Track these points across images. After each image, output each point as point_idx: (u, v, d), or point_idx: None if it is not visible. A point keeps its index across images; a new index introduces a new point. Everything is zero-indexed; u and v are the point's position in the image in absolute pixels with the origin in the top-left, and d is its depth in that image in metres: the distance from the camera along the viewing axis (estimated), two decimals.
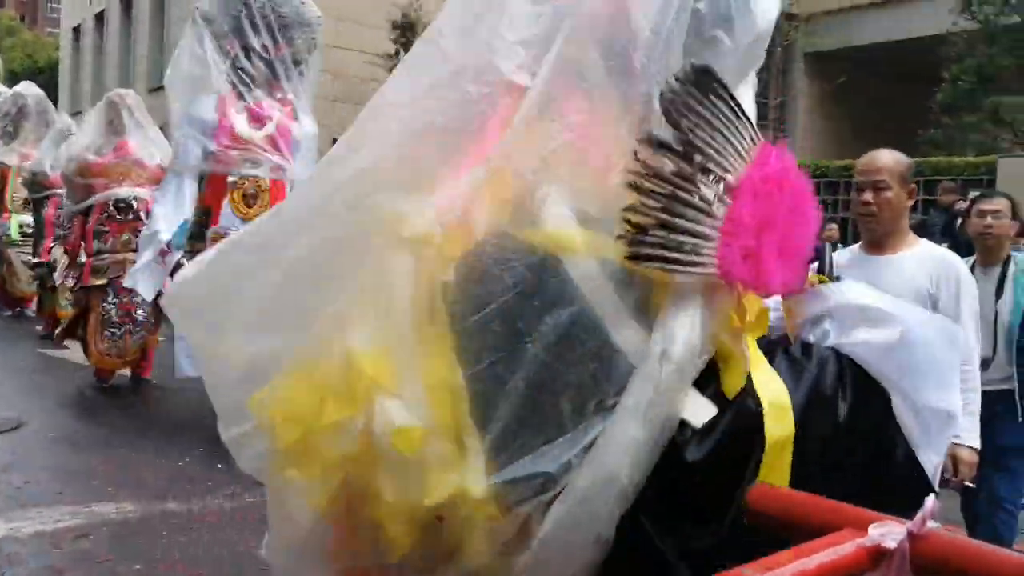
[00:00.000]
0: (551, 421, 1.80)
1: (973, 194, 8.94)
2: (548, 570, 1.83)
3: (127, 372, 7.95)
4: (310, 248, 1.97)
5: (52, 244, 9.90)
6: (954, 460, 2.98)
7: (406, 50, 17.38)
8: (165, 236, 6.20)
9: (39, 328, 11.04)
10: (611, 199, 1.88)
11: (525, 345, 1.80)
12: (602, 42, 1.94)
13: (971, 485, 3.52)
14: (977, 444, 3.05)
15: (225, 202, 6.30)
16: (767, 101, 18.27)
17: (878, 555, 1.69)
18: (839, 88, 20.13)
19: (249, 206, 6.31)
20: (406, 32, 17.36)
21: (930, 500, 1.76)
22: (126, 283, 6.66)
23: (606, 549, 1.84)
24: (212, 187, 6.36)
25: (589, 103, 1.94)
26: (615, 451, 1.78)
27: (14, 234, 12.39)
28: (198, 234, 6.38)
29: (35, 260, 11.32)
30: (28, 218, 12.30)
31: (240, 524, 4.57)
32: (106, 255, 7.52)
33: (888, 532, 1.72)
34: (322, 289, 1.93)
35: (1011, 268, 4.15)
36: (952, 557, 1.71)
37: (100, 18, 29.78)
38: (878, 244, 3.13)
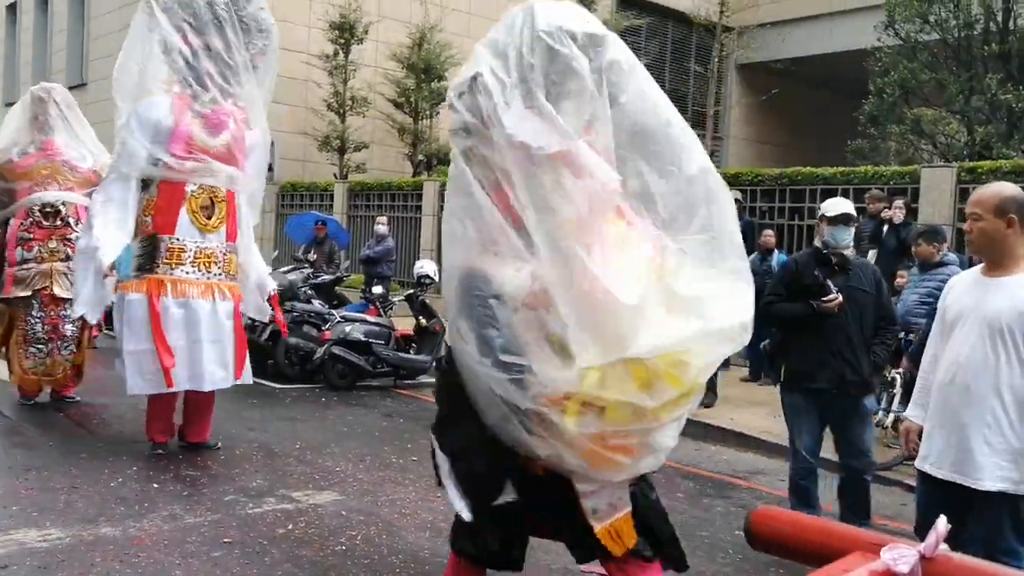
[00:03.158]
0: None
1: (899, 201, 9.21)
2: None
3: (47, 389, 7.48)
4: None
5: None
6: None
7: (344, 51, 17.36)
8: (107, 259, 5.69)
9: None
10: None
11: None
12: None
13: None
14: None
15: (182, 211, 5.88)
16: (703, 110, 18.50)
17: None
18: (771, 99, 20.54)
19: (208, 217, 5.96)
20: (344, 33, 17.10)
21: (941, 522, 1.73)
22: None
23: None
24: (166, 196, 5.89)
25: None
26: None
27: None
28: (147, 265, 5.87)
29: None
30: None
31: (180, 547, 4.30)
32: (31, 264, 6.95)
33: (900, 556, 1.69)
34: None
35: None
36: None
37: (12, 9, 28.53)
38: (992, 267, 3.36)
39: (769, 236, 10.07)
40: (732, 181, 12.03)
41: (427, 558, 4.38)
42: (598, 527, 3.04)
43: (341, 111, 17.48)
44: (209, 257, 5.96)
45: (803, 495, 4.94)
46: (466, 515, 3.15)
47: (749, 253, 10.46)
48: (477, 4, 20.54)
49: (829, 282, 4.76)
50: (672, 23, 23.76)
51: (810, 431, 4.91)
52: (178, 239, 5.88)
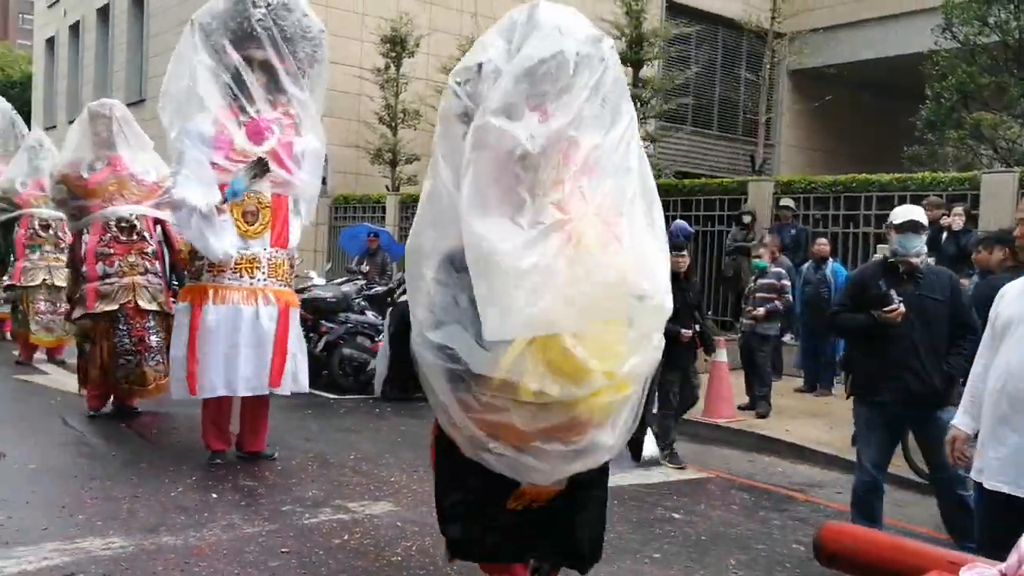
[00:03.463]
0: None
1: (958, 208, 9.00)
2: None
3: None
4: None
5: (34, 268, 9.57)
6: None
7: (395, 64, 17.53)
8: (199, 200, 5.74)
9: (16, 353, 10.73)
10: None
11: None
12: None
13: None
14: None
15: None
16: (755, 117, 18.29)
17: None
18: (823, 105, 20.23)
19: (249, 223, 6.07)
20: (395, 46, 17.28)
21: None
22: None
23: None
24: None
25: None
26: None
27: None
28: (195, 274, 6.09)
29: (7, 282, 10.97)
30: None
31: (239, 556, 4.37)
32: (114, 279, 7.12)
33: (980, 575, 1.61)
34: None
35: None
36: None
37: (75, 29, 29.38)
38: None
39: (823, 244, 9.91)
40: (785, 188, 11.88)
41: (480, 569, 4.38)
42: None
43: (393, 124, 17.65)
44: (252, 262, 6.07)
45: (865, 509, 4.84)
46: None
47: (803, 262, 10.41)
48: None
49: (892, 292, 4.67)
50: (722, 30, 23.55)
51: (877, 444, 4.81)
52: None
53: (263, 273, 6.10)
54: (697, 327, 6.80)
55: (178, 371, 6.08)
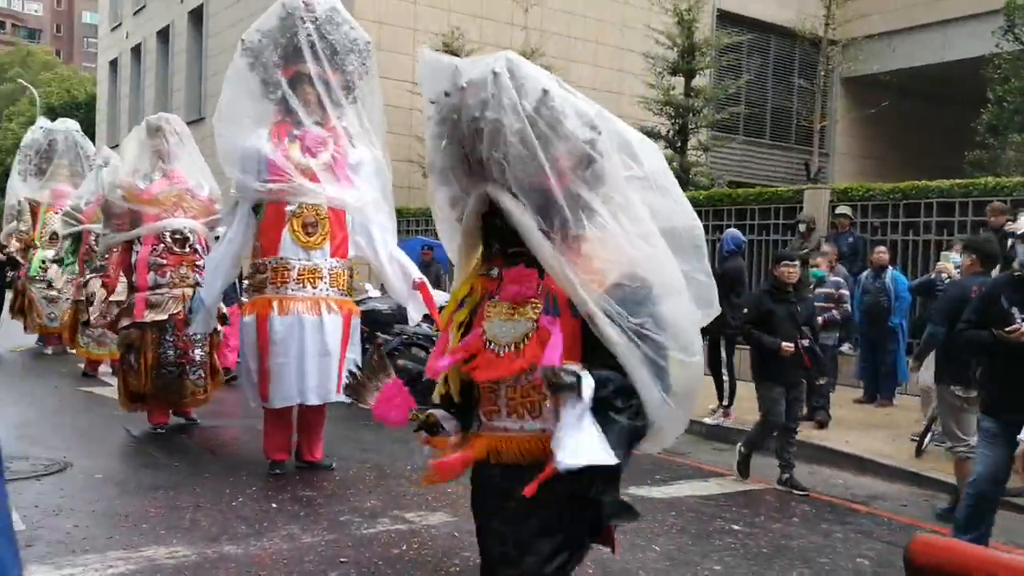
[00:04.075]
0: None
1: None
2: None
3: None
4: None
5: (88, 278, 9.81)
6: None
7: None
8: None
9: (80, 366, 11.03)
10: None
11: None
12: None
13: None
14: None
15: (284, 231, 6.13)
16: (809, 126, 18.05)
17: None
18: (878, 111, 19.88)
19: (309, 235, 6.16)
20: None
21: None
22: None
23: None
24: (270, 217, 6.17)
25: None
26: None
27: (33, 270, 12.45)
28: (259, 287, 6.22)
29: (70, 297, 11.35)
30: (51, 253, 12.37)
31: (299, 566, 4.41)
32: (164, 289, 7.21)
33: None
34: None
35: None
36: None
37: (137, 51, 30.24)
38: None
39: (882, 253, 9.71)
40: (841, 196, 11.68)
41: None
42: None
43: None
44: (314, 273, 6.16)
45: (971, 523, 4.69)
46: None
47: (861, 271, 10.18)
48: (577, 28, 20.66)
49: (1014, 309, 4.51)
50: (775, 38, 23.33)
51: (992, 460, 4.66)
52: (282, 258, 6.11)
53: (325, 283, 6.20)
54: (805, 342, 6.45)
55: (250, 381, 6.21)
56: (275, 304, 6.07)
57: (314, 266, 6.16)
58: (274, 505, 5.48)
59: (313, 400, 6.13)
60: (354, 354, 6.30)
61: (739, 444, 6.87)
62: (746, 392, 8.67)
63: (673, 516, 5.59)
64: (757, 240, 12.27)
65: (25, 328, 12.92)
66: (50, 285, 12.30)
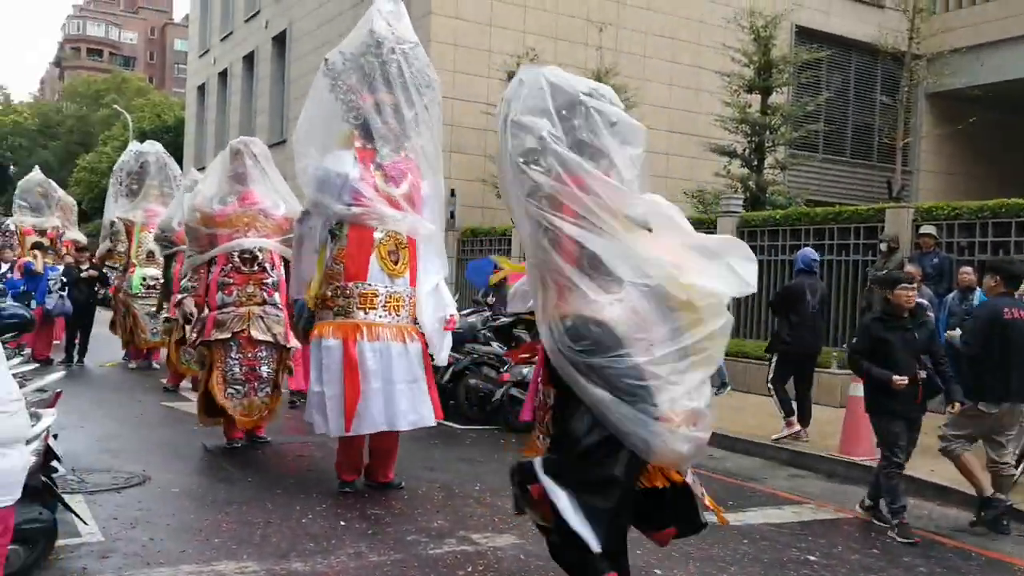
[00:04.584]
0: None
1: None
2: None
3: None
4: None
5: (180, 298, 10.08)
6: None
7: None
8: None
9: (164, 381, 11.36)
10: None
11: None
12: None
13: None
14: None
15: (372, 258, 6.15)
16: (892, 143, 17.55)
17: None
18: (964, 128, 19.20)
19: (394, 262, 6.21)
20: None
21: None
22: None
23: None
24: (356, 243, 6.17)
25: None
26: None
27: (135, 287, 12.89)
28: (344, 311, 6.15)
29: (165, 314, 11.71)
30: (152, 271, 12.81)
31: None
32: (230, 308, 7.34)
33: None
34: None
35: None
36: None
37: (223, 76, 31.30)
38: None
39: (967, 273, 9.33)
40: (926, 215, 11.28)
41: None
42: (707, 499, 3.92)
43: None
44: (398, 301, 6.20)
45: None
46: (595, 546, 3.51)
47: (946, 292, 9.81)
48: (651, 46, 20.56)
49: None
50: (855, 54, 22.82)
51: None
52: (370, 284, 6.13)
53: (406, 311, 6.25)
54: (923, 374, 5.98)
55: (335, 408, 6.04)
56: (364, 330, 6.06)
57: (398, 294, 6.21)
58: (342, 523, 5.51)
59: (403, 426, 6.14)
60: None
61: (862, 499, 6.41)
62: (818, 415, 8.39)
63: (746, 544, 5.43)
64: (836, 260, 11.94)
65: (128, 343, 13.35)
66: (140, 294, 12.69)
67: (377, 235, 6.15)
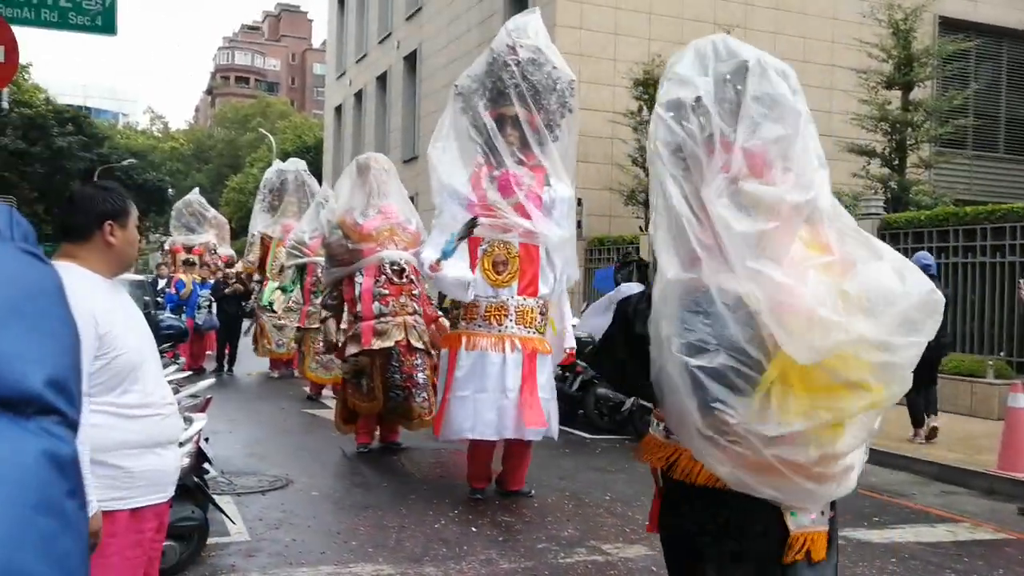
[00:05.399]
0: None
1: None
2: None
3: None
4: None
5: (326, 315, 10.48)
6: None
7: (648, 106, 17.64)
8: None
9: (306, 389, 11.83)
10: None
11: None
12: None
13: None
14: None
15: (476, 269, 6.31)
16: None
17: None
18: None
19: (499, 273, 6.33)
20: (648, 88, 17.40)
21: None
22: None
23: None
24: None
25: None
26: None
27: (265, 300, 13.48)
28: (454, 323, 6.55)
29: (297, 325, 12.24)
30: (285, 285, 13.37)
31: None
32: (388, 318, 7.57)
33: None
34: None
35: None
36: None
37: (359, 97, 32.46)
38: None
39: None
40: None
41: None
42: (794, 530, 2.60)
43: (645, 165, 17.68)
44: (500, 310, 6.29)
45: None
46: None
47: None
48: (781, 46, 19.88)
49: None
50: (1007, 42, 21.47)
51: None
52: (471, 297, 6.29)
53: (511, 320, 6.31)
54: None
55: (440, 413, 6.43)
56: (464, 339, 6.30)
57: (501, 303, 6.30)
58: (474, 529, 5.58)
59: (490, 436, 6.23)
60: (547, 393, 6.36)
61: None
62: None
63: (893, 563, 5.15)
64: (990, 263, 11.22)
65: (256, 352, 14.04)
66: (271, 307, 13.25)
67: (483, 245, 6.31)
